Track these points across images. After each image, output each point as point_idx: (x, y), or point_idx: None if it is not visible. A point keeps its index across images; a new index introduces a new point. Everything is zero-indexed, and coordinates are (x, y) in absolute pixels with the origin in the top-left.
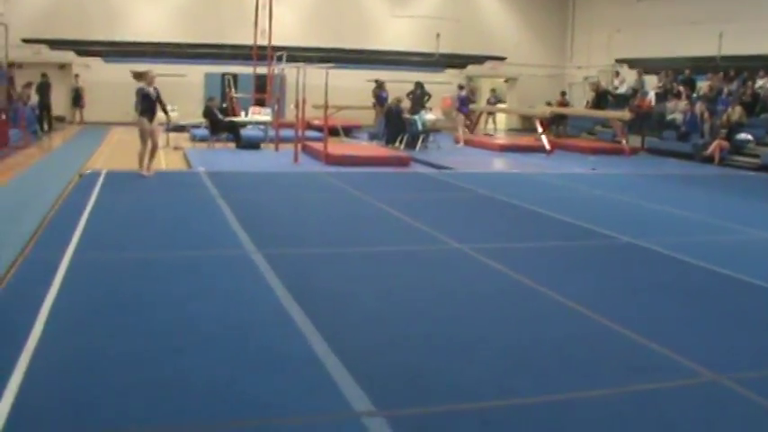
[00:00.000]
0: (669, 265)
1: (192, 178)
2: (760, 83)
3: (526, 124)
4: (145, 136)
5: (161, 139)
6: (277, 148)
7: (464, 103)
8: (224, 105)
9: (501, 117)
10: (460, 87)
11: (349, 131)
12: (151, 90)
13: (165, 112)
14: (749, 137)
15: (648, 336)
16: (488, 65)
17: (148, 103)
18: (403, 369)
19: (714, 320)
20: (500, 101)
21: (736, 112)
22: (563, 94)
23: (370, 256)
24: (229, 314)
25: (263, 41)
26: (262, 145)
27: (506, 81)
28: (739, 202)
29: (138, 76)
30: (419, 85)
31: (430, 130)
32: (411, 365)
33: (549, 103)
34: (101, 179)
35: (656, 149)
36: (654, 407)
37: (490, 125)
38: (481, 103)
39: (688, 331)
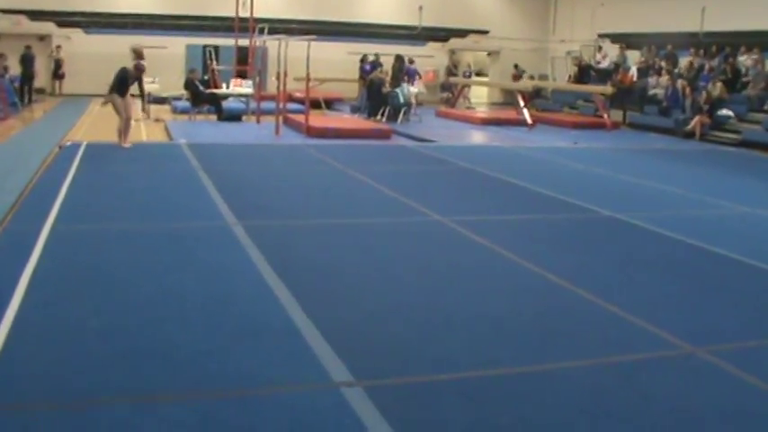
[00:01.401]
0: (650, 239)
1: (172, 150)
2: (741, 59)
3: (509, 98)
4: (119, 110)
5: (141, 110)
6: (258, 121)
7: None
8: (205, 77)
9: (483, 90)
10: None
11: (331, 104)
12: (132, 71)
13: (142, 94)
14: (730, 113)
15: (628, 309)
16: (471, 38)
17: (122, 83)
18: (383, 340)
19: (694, 294)
20: (478, 74)
21: (718, 88)
22: (515, 66)
23: (350, 228)
24: (210, 286)
25: (244, 13)
26: (243, 117)
27: (489, 54)
28: (720, 177)
29: (139, 54)
30: (399, 58)
31: (411, 102)
32: (391, 337)
33: (531, 77)
34: (81, 151)
35: (638, 124)
36: (633, 378)
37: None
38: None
39: (668, 305)
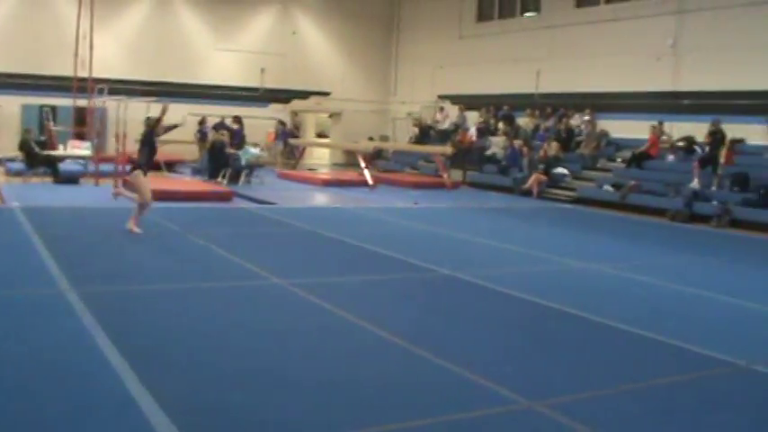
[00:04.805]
0: (487, 296)
1: (4, 214)
2: (575, 120)
3: (351, 159)
4: None
5: None
6: (97, 183)
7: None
8: (42, 138)
9: (325, 151)
10: (281, 123)
11: (172, 166)
12: None
13: None
14: (565, 171)
15: (466, 366)
16: (313, 99)
17: None
18: (222, 408)
19: (529, 349)
20: (320, 135)
21: (553, 148)
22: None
23: (189, 293)
24: (41, 356)
25: (83, 73)
26: (81, 180)
27: (331, 116)
28: (556, 234)
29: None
30: (238, 119)
31: (254, 165)
32: (231, 404)
33: (371, 138)
34: None
35: (478, 183)
36: None
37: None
38: (307, 138)
39: (504, 360)
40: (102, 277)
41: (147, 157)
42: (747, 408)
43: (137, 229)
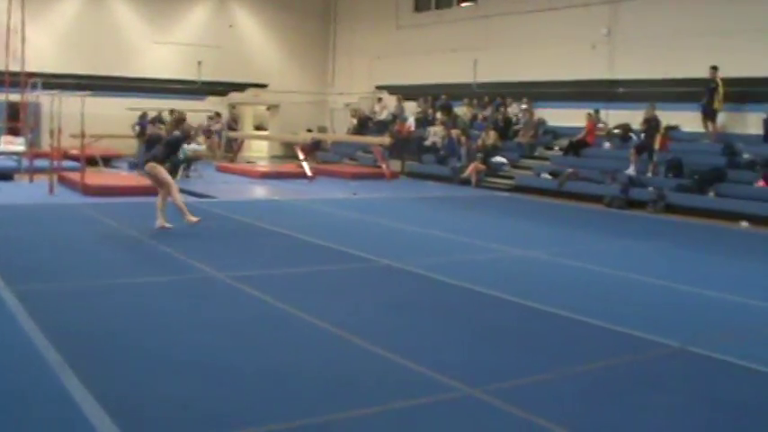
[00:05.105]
0: (425, 284)
1: None
2: (512, 109)
3: (289, 151)
4: None
5: None
6: (32, 180)
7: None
8: None
9: (263, 144)
10: (210, 117)
11: (109, 161)
12: None
13: None
14: (503, 160)
15: (406, 355)
16: (250, 92)
17: None
18: (159, 401)
19: (468, 336)
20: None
21: (491, 137)
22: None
23: (127, 288)
24: None
25: (16, 67)
26: (15, 176)
27: (269, 108)
28: (495, 222)
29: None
30: (176, 113)
31: (192, 158)
32: (168, 397)
33: (309, 130)
34: None
35: (417, 173)
36: (412, 423)
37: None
38: (245, 130)
39: (444, 348)
40: (35, 274)
41: (165, 156)
42: (682, 388)
43: (168, 224)
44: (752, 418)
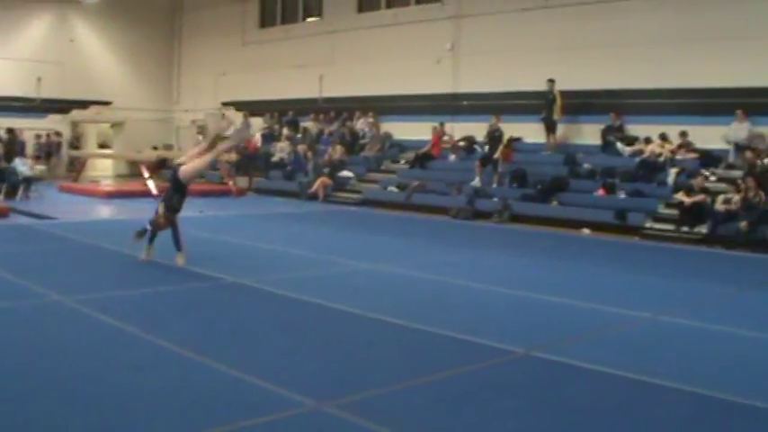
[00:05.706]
0: (273, 301)
1: None
2: (359, 123)
3: (135, 169)
4: None
5: None
6: None
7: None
8: None
9: (107, 163)
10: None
11: None
12: None
13: None
14: (350, 174)
15: (253, 372)
16: (93, 109)
17: None
18: None
19: (316, 351)
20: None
21: (338, 151)
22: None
23: None
24: None
25: None
26: None
27: (113, 126)
28: (342, 236)
29: None
30: (11, 131)
31: (31, 178)
32: (6, 425)
33: (155, 148)
34: None
35: (264, 189)
36: None
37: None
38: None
39: (290, 363)
40: None
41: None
42: (528, 392)
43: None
44: (594, 417)
